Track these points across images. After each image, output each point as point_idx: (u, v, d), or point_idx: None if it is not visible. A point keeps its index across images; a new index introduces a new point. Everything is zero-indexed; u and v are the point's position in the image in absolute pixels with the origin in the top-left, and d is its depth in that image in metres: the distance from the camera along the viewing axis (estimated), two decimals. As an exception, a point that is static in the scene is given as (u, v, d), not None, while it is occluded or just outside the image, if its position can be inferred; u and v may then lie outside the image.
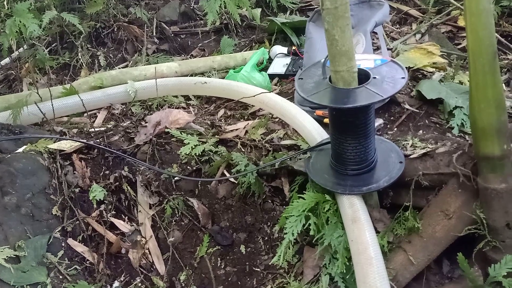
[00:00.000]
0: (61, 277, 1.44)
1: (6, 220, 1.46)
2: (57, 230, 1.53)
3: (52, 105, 1.90)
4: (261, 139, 1.65)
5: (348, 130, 1.23)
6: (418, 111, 1.61)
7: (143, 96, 2.06)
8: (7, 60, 2.55)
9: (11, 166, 1.59)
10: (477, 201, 1.17)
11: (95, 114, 2.05)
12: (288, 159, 1.51)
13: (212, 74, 2.26)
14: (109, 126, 1.92)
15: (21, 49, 2.50)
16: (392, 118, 1.62)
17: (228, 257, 1.57)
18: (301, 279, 1.38)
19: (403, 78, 1.18)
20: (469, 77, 1.08)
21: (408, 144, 1.41)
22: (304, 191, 1.39)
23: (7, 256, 1.36)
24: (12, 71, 2.50)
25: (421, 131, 1.52)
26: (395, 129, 1.56)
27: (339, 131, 1.26)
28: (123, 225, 1.65)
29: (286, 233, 1.31)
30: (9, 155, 1.65)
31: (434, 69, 1.79)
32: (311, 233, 1.30)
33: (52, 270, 1.44)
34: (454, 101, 1.55)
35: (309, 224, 1.31)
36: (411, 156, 1.34)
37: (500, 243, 1.14)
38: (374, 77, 1.18)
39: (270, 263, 1.49)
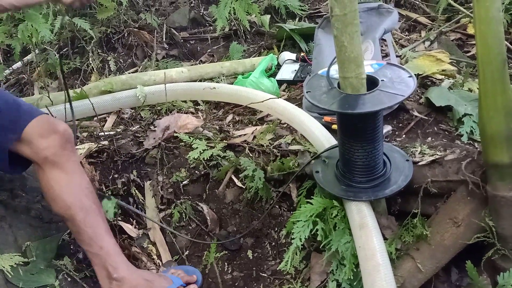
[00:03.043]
0: (69, 279, 1.45)
1: (16, 222, 1.48)
2: (66, 233, 1.54)
3: (69, 108, 1.89)
4: (269, 145, 1.66)
5: (358, 136, 1.23)
6: (427, 118, 1.61)
7: (152, 101, 2.08)
8: (19, 64, 2.58)
9: (21, 168, 1.61)
10: (486, 209, 1.16)
11: (105, 118, 2.07)
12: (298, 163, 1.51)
13: (221, 80, 2.28)
14: (118, 130, 1.93)
15: (32, 54, 2.53)
16: (400, 125, 1.62)
17: (235, 262, 1.57)
18: (308, 285, 1.38)
19: (410, 76, 1.18)
20: (478, 85, 1.08)
21: (416, 151, 1.41)
22: (312, 197, 1.39)
23: (15, 263, 1.36)
24: (24, 75, 2.53)
25: (429, 138, 1.52)
26: (404, 136, 1.56)
27: (348, 137, 1.26)
28: (131, 230, 1.66)
29: (293, 238, 1.31)
30: (20, 158, 1.67)
31: (443, 77, 1.79)
32: (319, 238, 1.30)
33: (61, 273, 1.45)
34: (463, 108, 1.55)
35: (317, 230, 1.31)
36: (420, 163, 1.33)
37: (509, 251, 1.13)
38: (382, 80, 1.18)
39: (277, 269, 1.49)
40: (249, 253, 1.57)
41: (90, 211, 1.32)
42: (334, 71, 1.22)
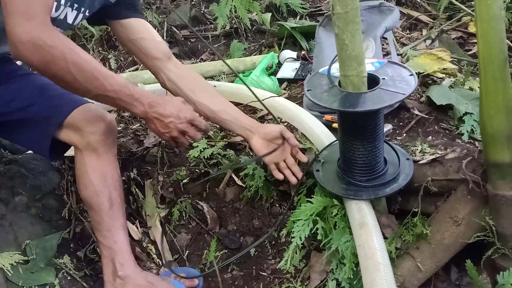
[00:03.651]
0: (69, 278, 1.45)
1: (16, 220, 1.48)
2: (66, 231, 1.54)
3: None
4: (270, 143, 1.65)
5: (359, 134, 1.23)
6: (427, 117, 1.60)
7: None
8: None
9: (22, 166, 1.61)
10: (487, 208, 1.16)
11: (105, 117, 2.07)
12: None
13: (222, 78, 2.27)
14: (118, 128, 1.93)
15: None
16: (401, 123, 1.61)
17: (235, 261, 1.57)
18: (308, 284, 1.37)
19: (411, 75, 1.18)
20: (480, 84, 1.08)
21: (417, 149, 1.40)
22: (312, 196, 1.38)
23: (15, 262, 1.37)
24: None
25: (430, 137, 1.52)
26: (404, 134, 1.56)
27: (348, 135, 1.25)
28: (135, 232, 1.66)
29: (293, 237, 1.31)
30: (21, 156, 1.67)
31: (444, 75, 1.79)
32: (319, 237, 1.30)
33: (60, 271, 1.45)
34: (464, 107, 1.54)
35: (317, 229, 1.31)
36: (420, 162, 1.33)
37: (509, 250, 1.13)
38: (383, 78, 1.18)
39: (277, 268, 1.48)
40: (249, 251, 1.57)
41: (115, 204, 1.35)
42: (335, 69, 1.22)
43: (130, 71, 2.42)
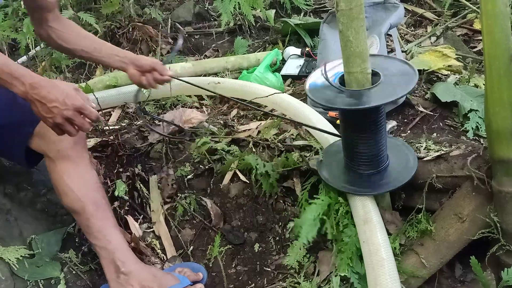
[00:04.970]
0: (74, 272, 1.46)
1: (21, 215, 1.49)
2: (71, 226, 1.55)
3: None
4: (274, 139, 1.66)
5: (361, 130, 1.23)
6: (432, 113, 1.60)
7: (157, 95, 2.08)
8: (24, 58, 2.59)
9: (27, 162, 1.61)
10: (491, 204, 1.16)
11: (110, 113, 2.08)
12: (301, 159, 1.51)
13: (226, 75, 2.28)
14: (123, 124, 1.94)
15: (37, 48, 2.53)
16: (405, 120, 1.61)
17: (239, 256, 1.57)
18: (312, 279, 1.38)
19: (413, 71, 1.18)
20: (485, 80, 1.08)
21: (421, 146, 1.40)
22: (315, 196, 1.38)
23: (21, 256, 1.38)
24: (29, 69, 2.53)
25: (435, 134, 1.52)
26: (409, 131, 1.56)
27: (352, 131, 1.25)
28: (137, 229, 1.66)
29: (299, 237, 1.29)
30: (26, 152, 1.67)
31: (449, 72, 1.79)
32: (329, 237, 1.30)
33: (66, 266, 1.46)
34: (469, 104, 1.54)
35: (326, 228, 1.30)
36: (425, 159, 1.33)
37: (514, 247, 1.13)
38: (386, 74, 1.18)
39: (281, 263, 1.49)
40: (255, 247, 1.57)
41: (100, 205, 1.34)
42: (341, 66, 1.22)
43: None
